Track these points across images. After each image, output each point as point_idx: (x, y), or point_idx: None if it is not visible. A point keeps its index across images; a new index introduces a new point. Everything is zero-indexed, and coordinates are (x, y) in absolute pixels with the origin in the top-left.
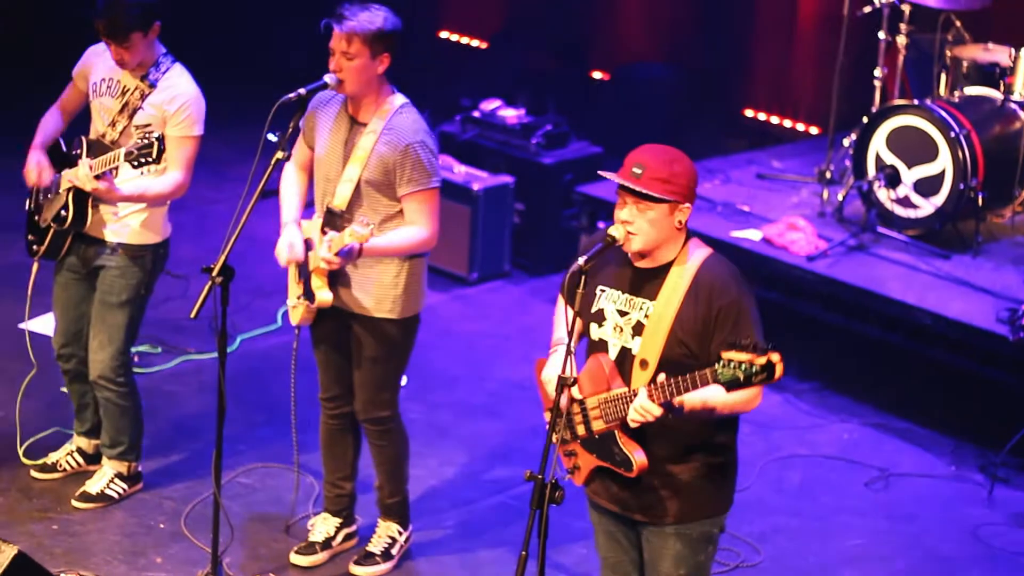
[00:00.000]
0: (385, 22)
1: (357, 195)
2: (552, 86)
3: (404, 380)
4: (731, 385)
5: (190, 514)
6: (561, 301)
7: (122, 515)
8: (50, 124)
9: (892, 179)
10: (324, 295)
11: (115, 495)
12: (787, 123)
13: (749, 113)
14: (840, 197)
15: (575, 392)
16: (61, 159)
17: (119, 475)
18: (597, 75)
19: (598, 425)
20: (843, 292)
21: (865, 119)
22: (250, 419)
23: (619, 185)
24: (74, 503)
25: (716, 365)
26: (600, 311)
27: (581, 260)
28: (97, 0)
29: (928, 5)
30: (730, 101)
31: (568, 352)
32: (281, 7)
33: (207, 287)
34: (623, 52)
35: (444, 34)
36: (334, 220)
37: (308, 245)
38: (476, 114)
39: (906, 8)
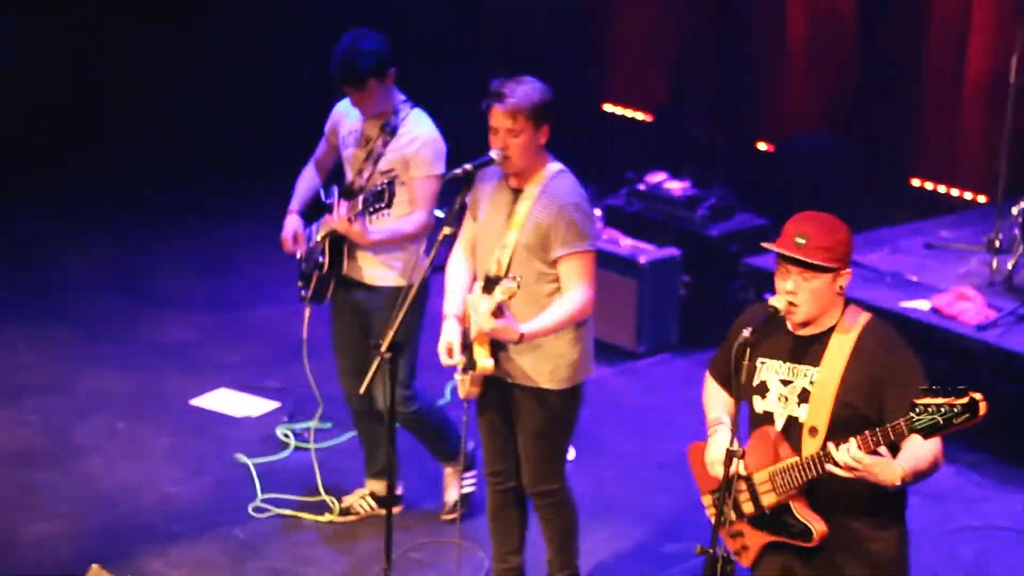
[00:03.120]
0: (544, 94)
1: (514, 261)
2: (717, 158)
3: (572, 453)
4: (929, 431)
5: None
6: (710, 381)
7: None
8: (305, 183)
9: None
10: (485, 362)
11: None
12: (954, 192)
13: (916, 183)
14: (1009, 266)
15: (741, 468)
16: (321, 209)
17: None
18: (762, 146)
19: (769, 499)
20: (1014, 361)
21: None
22: (420, 493)
23: (779, 255)
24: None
25: (911, 414)
26: (763, 383)
27: (746, 332)
28: (334, 50)
29: None
30: (896, 171)
31: (734, 426)
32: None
33: (376, 362)
34: (788, 123)
35: (609, 107)
36: (493, 287)
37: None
38: (641, 187)
39: None
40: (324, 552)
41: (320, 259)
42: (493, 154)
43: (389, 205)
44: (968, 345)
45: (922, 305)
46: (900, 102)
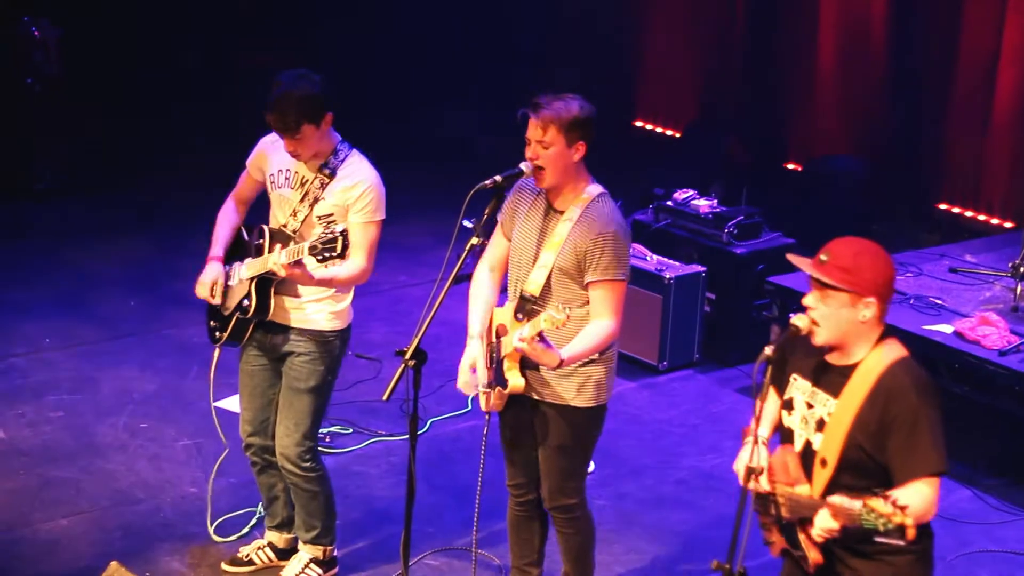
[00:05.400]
0: (580, 110)
1: (550, 282)
2: (745, 176)
3: (592, 467)
4: (874, 533)
5: None
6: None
7: None
8: (227, 224)
9: None
10: (517, 380)
11: None
12: (981, 217)
13: (943, 206)
14: None
15: (764, 483)
16: (241, 248)
17: (315, 560)
18: (790, 166)
19: (784, 514)
20: None
21: None
22: (439, 502)
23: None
24: None
25: (862, 511)
26: (791, 399)
27: (768, 350)
28: (269, 94)
29: None
30: (923, 194)
31: (755, 443)
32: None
33: (400, 370)
34: (817, 144)
35: (639, 123)
36: (526, 306)
37: (500, 331)
38: (669, 203)
39: None
40: (349, 559)
41: (245, 302)
42: (523, 165)
43: (343, 255)
44: (990, 370)
45: (945, 329)
46: (929, 126)
